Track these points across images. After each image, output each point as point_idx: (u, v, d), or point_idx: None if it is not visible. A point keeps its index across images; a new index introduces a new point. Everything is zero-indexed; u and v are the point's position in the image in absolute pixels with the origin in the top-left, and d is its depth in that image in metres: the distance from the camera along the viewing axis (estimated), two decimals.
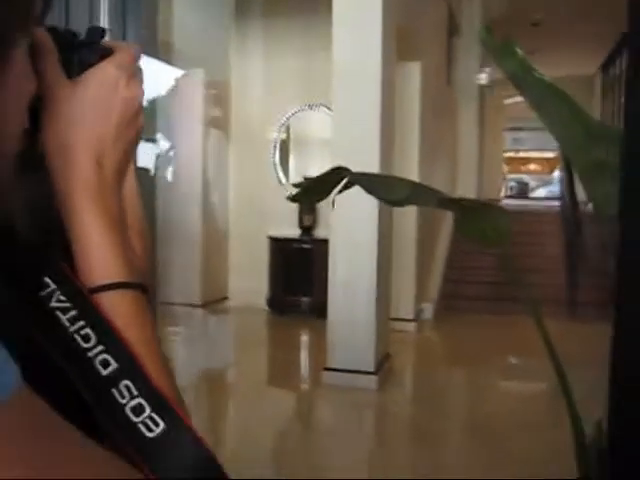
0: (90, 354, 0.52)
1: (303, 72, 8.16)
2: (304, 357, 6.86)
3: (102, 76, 0.60)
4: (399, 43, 5.89)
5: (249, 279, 8.38)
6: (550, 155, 23.13)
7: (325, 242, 5.85)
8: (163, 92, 6.52)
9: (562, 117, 1.58)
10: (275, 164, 8.54)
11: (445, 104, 9.89)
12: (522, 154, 25.02)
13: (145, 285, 0.59)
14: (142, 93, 0.63)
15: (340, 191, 1.65)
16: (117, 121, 0.61)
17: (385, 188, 1.63)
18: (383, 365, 5.53)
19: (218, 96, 8.30)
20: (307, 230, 8.08)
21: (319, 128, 8.08)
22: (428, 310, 8.17)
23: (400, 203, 1.58)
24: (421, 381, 6.04)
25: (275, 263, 8.11)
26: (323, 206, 7.12)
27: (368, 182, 1.64)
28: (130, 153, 0.63)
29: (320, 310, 5.91)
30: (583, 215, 8.84)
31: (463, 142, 11.69)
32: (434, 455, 4.25)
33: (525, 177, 25.11)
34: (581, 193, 9.62)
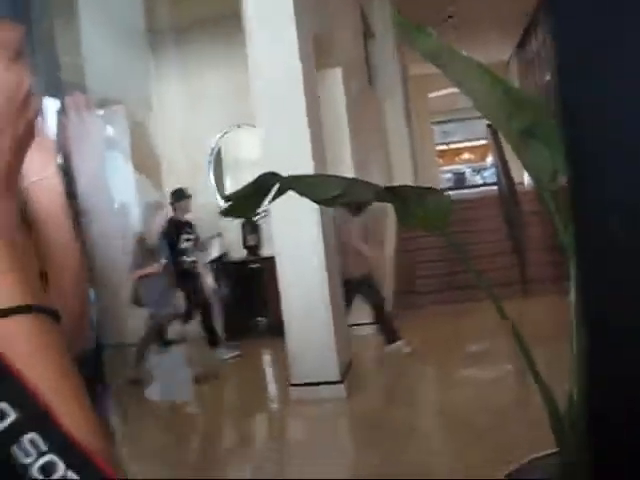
0: None
1: (228, 93, 8.10)
2: (269, 377, 6.77)
3: None
4: (318, 51, 5.89)
5: None
6: (481, 143, 23.53)
7: (272, 259, 5.78)
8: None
9: (485, 89, 1.56)
10: (211, 187, 8.44)
11: (370, 105, 9.96)
12: (453, 145, 25.40)
13: (53, 309, 0.48)
14: (28, 78, 0.52)
15: (273, 198, 1.60)
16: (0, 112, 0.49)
17: (318, 187, 1.58)
18: (349, 372, 5.48)
19: (143, 128, 8.17)
20: (252, 250, 7.99)
21: (251, 147, 8.03)
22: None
23: (335, 201, 1.53)
24: (390, 382, 6.01)
25: (224, 287, 7.98)
26: (265, 223, 7.06)
27: (300, 184, 1.59)
28: (20, 151, 0.51)
29: (278, 328, 5.83)
30: (520, 194, 8.98)
31: (393, 140, 11.79)
32: (418, 453, 4.21)
33: (462, 167, 25.49)
34: (515, 175, 9.80)
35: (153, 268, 6.47)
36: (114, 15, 7.19)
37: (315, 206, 4.56)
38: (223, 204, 8.31)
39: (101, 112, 7.10)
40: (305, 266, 5.28)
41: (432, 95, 17.31)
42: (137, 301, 6.55)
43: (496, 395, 5.04)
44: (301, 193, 1.51)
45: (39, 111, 0.53)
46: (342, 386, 5.24)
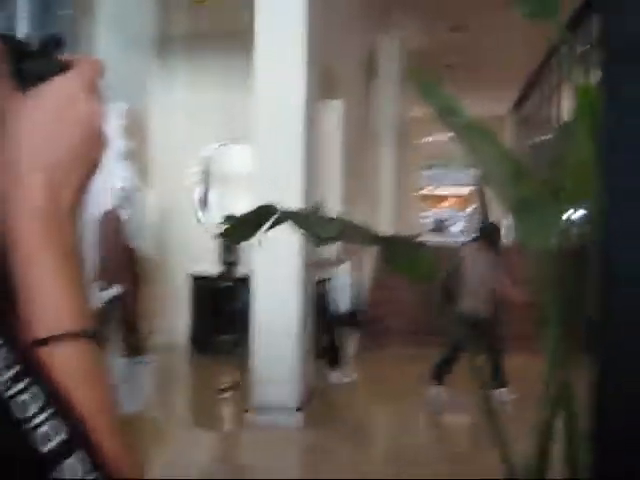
0: (29, 425, 0.43)
1: (226, 107, 8.14)
2: (229, 396, 6.73)
3: (59, 91, 0.52)
4: (322, 82, 5.97)
5: (170, 318, 8.19)
6: (464, 192, 23.80)
7: (247, 279, 5.81)
8: None
9: (489, 155, 1.62)
10: (195, 201, 8.45)
11: (365, 142, 10.07)
12: (438, 191, 25.66)
13: (99, 333, 0.50)
14: (104, 112, 0.55)
15: (268, 228, 1.63)
16: (76, 142, 0.52)
17: (315, 226, 1.62)
18: (309, 402, 5.47)
19: (137, 131, 8.17)
20: (229, 267, 7.99)
21: (240, 164, 8.07)
22: (351, 346, 8.18)
23: (330, 240, 1.57)
24: (347, 417, 6.01)
25: (197, 301, 7.96)
26: (244, 242, 7.08)
27: (298, 220, 1.63)
28: (89, 181, 0.54)
29: (244, 348, 5.83)
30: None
31: (382, 179, 11.91)
32: None
33: (442, 213, 25.75)
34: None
35: None
36: (128, 18, 7.24)
37: (297, 235, 4.61)
38: (204, 219, 8.34)
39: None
40: (279, 290, 5.29)
41: (426, 139, 17.52)
42: None
43: (454, 443, 5.06)
44: (297, 228, 1.55)
45: (108, 143, 0.55)
46: (300, 414, 5.23)
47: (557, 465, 1.78)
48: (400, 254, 1.59)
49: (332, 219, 1.63)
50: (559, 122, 10.91)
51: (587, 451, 1.69)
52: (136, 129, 8.06)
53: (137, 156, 8.08)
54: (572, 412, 1.73)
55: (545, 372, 1.86)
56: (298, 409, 5.25)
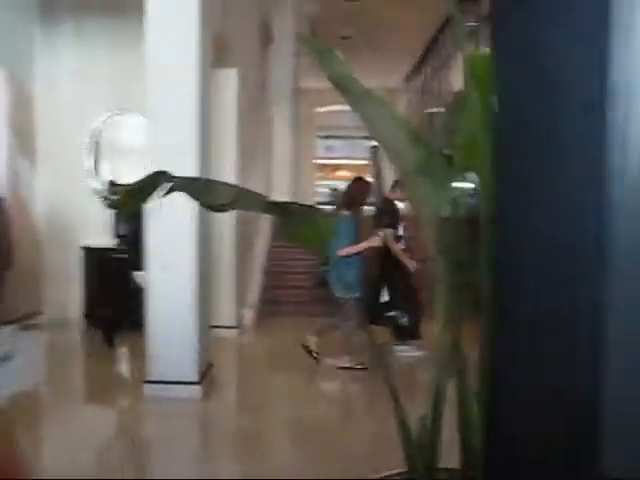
0: None
1: (117, 75, 7.86)
2: (124, 371, 6.60)
3: None
4: (215, 50, 5.85)
5: (64, 292, 7.92)
6: (360, 162, 24.05)
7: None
8: None
9: (383, 122, 1.63)
10: (87, 171, 8.14)
11: (260, 111, 9.99)
12: (333, 161, 25.84)
13: None
14: None
15: (162, 197, 1.59)
16: None
17: (209, 193, 1.59)
18: (207, 374, 5.44)
19: (22, 98, 7.76)
20: (123, 238, 7.78)
21: (132, 134, 7.84)
22: (249, 316, 8.19)
23: (225, 208, 1.55)
24: (246, 388, 6.03)
25: (90, 274, 7.71)
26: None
27: (191, 187, 1.59)
28: None
29: (139, 321, 5.71)
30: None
31: (277, 148, 11.89)
32: (262, 459, 4.24)
33: (337, 183, 25.95)
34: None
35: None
36: None
37: (191, 204, 4.53)
38: (95, 186, 8.05)
39: None
40: (175, 260, 5.20)
41: (320, 109, 17.60)
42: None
43: (350, 410, 5.17)
44: (191, 196, 1.51)
45: None
46: (198, 387, 5.20)
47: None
48: (295, 222, 1.58)
49: (226, 186, 1.61)
50: (451, 93, 11.21)
51: (479, 411, 1.76)
52: (19, 99, 7.66)
53: (21, 128, 7.70)
54: (463, 373, 1.79)
55: (436, 335, 1.92)
56: (197, 382, 5.21)
